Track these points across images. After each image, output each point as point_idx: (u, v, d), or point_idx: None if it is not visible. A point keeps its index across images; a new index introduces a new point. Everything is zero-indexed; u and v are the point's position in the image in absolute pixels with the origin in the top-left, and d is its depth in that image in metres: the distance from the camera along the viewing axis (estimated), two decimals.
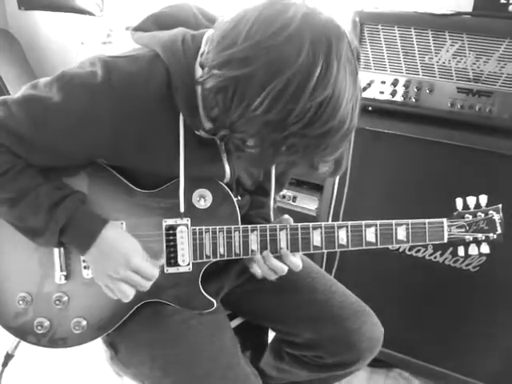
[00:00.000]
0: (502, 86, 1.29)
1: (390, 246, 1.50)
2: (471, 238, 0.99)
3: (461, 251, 1.01)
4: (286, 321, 1.15)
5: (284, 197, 1.89)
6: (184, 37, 0.86)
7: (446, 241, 0.99)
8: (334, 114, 0.72)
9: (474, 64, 1.30)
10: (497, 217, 0.99)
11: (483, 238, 0.99)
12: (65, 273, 0.98)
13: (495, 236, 0.99)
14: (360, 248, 0.98)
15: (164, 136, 0.89)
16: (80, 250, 0.91)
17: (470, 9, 1.37)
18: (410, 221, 0.97)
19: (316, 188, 1.83)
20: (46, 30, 2.61)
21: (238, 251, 0.98)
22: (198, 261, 0.99)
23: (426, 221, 0.97)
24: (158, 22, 0.93)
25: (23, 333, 1.00)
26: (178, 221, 0.97)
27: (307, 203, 1.86)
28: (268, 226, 0.98)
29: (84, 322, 0.99)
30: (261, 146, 0.77)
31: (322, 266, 1.64)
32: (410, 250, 1.52)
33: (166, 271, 0.98)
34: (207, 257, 0.98)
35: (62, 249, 0.97)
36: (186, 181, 0.94)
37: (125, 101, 0.83)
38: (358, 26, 1.37)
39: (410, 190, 1.48)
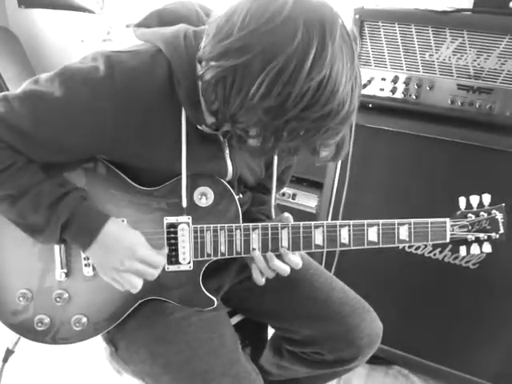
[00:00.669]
0: (502, 83, 1.28)
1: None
2: (473, 238, 0.99)
3: (463, 251, 1.01)
4: (285, 318, 1.15)
5: (284, 194, 1.89)
6: (186, 33, 0.86)
7: (448, 240, 0.98)
8: (333, 95, 0.73)
9: (475, 61, 1.30)
10: (499, 216, 0.99)
11: (485, 237, 0.99)
12: (65, 270, 0.98)
13: (497, 236, 0.99)
14: (362, 247, 0.98)
15: (166, 130, 0.89)
16: (82, 246, 0.91)
17: (470, 5, 1.36)
18: (412, 220, 0.96)
19: (316, 185, 1.83)
20: (46, 28, 2.61)
21: (239, 249, 0.98)
22: (199, 259, 0.98)
23: (429, 220, 0.97)
24: (161, 18, 0.94)
25: (24, 329, 1.00)
26: (179, 219, 0.97)
27: (307, 201, 1.86)
28: (270, 224, 0.97)
29: (84, 319, 0.99)
30: (263, 135, 0.78)
31: (321, 263, 1.64)
32: (409, 247, 1.52)
33: (166, 269, 0.98)
34: (208, 255, 0.98)
35: (62, 246, 0.96)
36: (188, 178, 0.94)
37: (127, 94, 0.83)
38: (359, 23, 1.37)
39: (410, 188, 1.48)
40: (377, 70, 1.43)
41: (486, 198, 0.99)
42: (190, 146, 0.91)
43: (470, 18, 1.28)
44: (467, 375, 1.56)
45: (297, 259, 0.98)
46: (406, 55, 1.38)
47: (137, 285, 0.91)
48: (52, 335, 1.00)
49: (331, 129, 0.77)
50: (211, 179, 0.97)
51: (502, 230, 0.98)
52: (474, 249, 0.99)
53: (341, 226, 0.97)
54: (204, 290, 1.00)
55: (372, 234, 0.96)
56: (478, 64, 1.29)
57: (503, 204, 1.00)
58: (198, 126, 0.90)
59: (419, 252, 1.51)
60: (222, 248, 0.97)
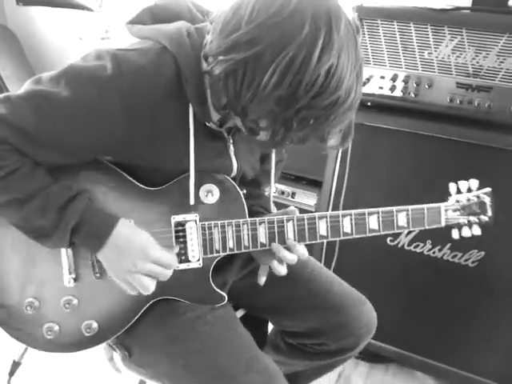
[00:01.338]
0: (501, 81, 1.29)
1: (388, 240, 1.54)
2: (466, 221, 1.04)
3: (455, 234, 1.05)
4: (288, 311, 1.17)
5: (283, 193, 1.89)
6: (188, 30, 0.87)
7: (443, 225, 1.03)
8: (341, 82, 0.75)
9: (474, 59, 1.30)
10: (487, 200, 1.03)
11: (476, 220, 1.04)
12: (74, 275, 0.95)
13: (487, 218, 1.04)
14: (363, 235, 1.00)
15: (174, 128, 0.89)
16: (93, 249, 0.90)
17: (469, 3, 1.36)
18: (409, 207, 1.01)
19: (315, 184, 1.83)
20: (44, 26, 2.60)
21: (247, 244, 0.98)
22: (208, 256, 0.98)
23: (425, 206, 1.02)
24: (153, 15, 0.93)
25: (32, 340, 0.97)
26: (187, 217, 0.97)
27: (306, 199, 1.86)
28: (275, 218, 0.98)
29: (95, 325, 0.97)
30: (273, 127, 0.80)
31: (320, 261, 1.64)
32: (408, 245, 1.52)
33: (176, 268, 0.97)
34: (217, 251, 0.98)
35: (70, 251, 0.95)
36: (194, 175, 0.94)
37: (136, 93, 0.82)
38: (357, 21, 1.37)
39: (409, 186, 1.48)
40: (376, 68, 1.43)
41: (474, 183, 1.03)
42: (198, 143, 0.91)
43: (468, 16, 1.28)
44: (466, 373, 1.56)
45: (302, 248, 1.00)
46: (404, 53, 1.38)
47: (149, 286, 0.90)
48: (62, 343, 0.97)
49: (339, 115, 0.79)
50: (216, 176, 0.97)
51: (490, 213, 1.04)
52: (465, 232, 1.04)
53: (343, 215, 0.99)
54: (214, 286, 1.00)
55: (373, 222, 1.00)
56: (477, 62, 1.30)
57: (490, 188, 1.04)
58: (206, 123, 0.91)
59: (418, 250, 1.51)
60: (231, 243, 0.98)
